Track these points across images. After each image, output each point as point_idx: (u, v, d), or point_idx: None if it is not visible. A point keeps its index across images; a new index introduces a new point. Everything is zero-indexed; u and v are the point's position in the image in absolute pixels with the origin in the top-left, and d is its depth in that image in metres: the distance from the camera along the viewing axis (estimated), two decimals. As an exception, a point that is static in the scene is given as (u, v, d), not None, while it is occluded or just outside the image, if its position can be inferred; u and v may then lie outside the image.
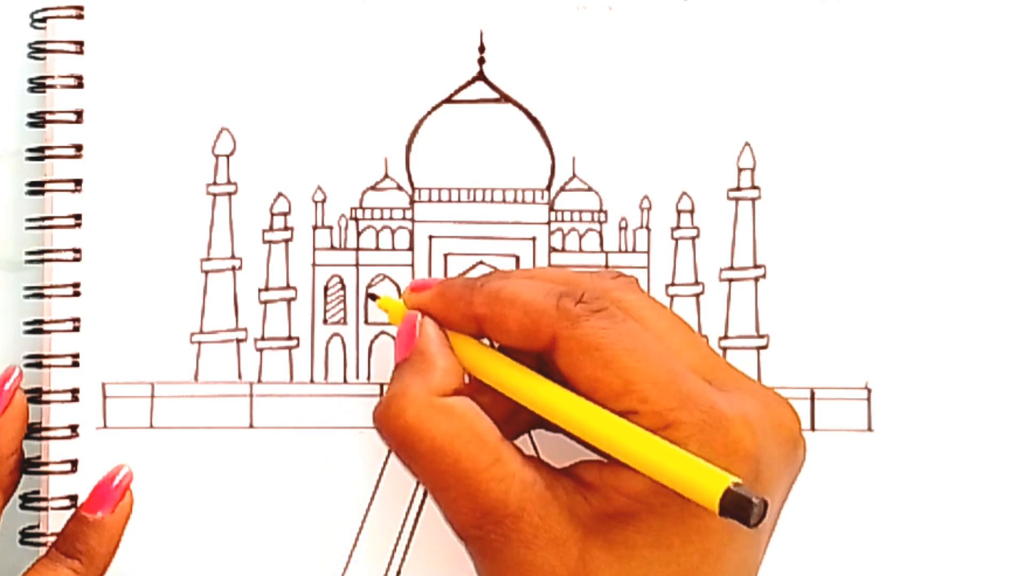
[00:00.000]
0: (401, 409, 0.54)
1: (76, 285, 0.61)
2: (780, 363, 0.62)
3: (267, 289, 0.62)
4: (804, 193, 0.63)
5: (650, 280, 0.62)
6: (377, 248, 0.62)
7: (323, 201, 0.62)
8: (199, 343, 0.61)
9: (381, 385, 0.61)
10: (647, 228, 0.62)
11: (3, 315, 0.62)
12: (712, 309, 0.62)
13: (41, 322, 0.61)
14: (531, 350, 0.55)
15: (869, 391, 0.62)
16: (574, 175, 0.63)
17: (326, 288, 0.62)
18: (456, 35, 0.63)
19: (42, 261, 0.61)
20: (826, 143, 0.63)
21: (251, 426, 0.61)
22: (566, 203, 0.63)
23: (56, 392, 0.60)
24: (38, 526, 0.60)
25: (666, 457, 0.52)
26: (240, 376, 0.61)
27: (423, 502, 0.61)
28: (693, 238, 0.62)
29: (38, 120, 0.61)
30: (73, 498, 0.60)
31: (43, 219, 0.61)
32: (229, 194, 0.62)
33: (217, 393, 0.61)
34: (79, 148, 0.61)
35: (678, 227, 0.63)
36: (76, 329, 0.61)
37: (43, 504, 0.60)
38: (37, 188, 0.61)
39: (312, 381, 0.62)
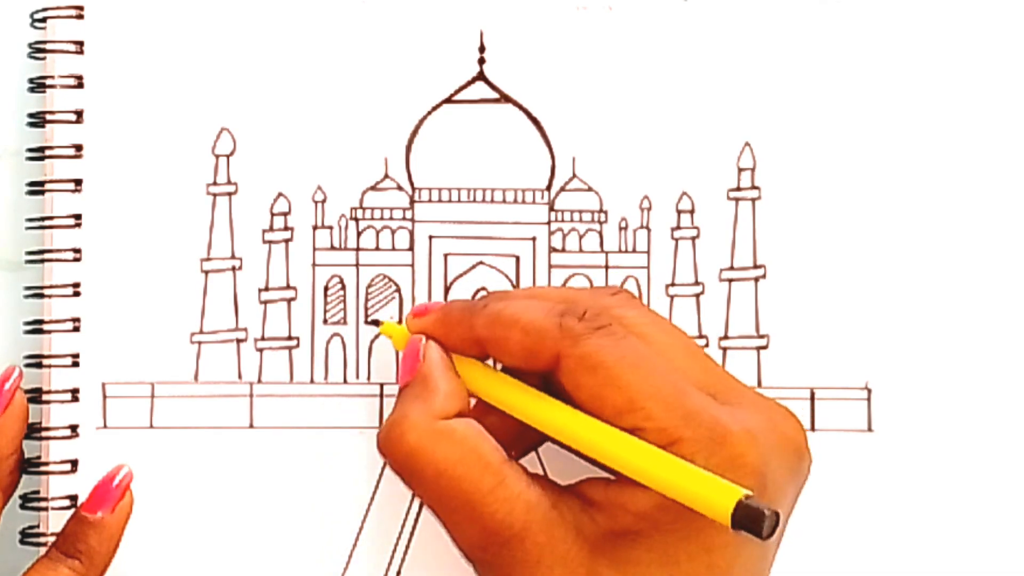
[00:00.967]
0: (402, 434, 0.54)
1: (76, 285, 0.61)
2: (780, 363, 0.62)
3: (267, 289, 0.62)
4: (804, 193, 0.63)
5: (650, 280, 0.62)
6: (377, 248, 0.62)
7: (323, 201, 0.62)
8: (199, 343, 0.61)
9: (381, 385, 0.61)
10: (647, 228, 0.62)
11: (3, 315, 0.62)
12: (712, 309, 0.62)
13: (41, 322, 0.61)
14: (534, 370, 0.55)
15: (869, 391, 0.62)
16: (574, 175, 0.63)
17: (326, 288, 0.62)
18: (456, 35, 0.63)
19: (42, 261, 0.61)
20: (826, 143, 0.63)
21: (251, 426, 0.61)
22: (566, 203, 0.62)
23: (56, 392, 0.60)
24: (38, 526, 0.60)
25: (676, 472, 0.51)
26: (240, 376, 0.61)
27: (423, 503, 0.61)
28: (693, 238, 0.62)
29: (38, 120, 0.61)
30: (73, 498, 0.60)
31: (43, 219, 0.61)
32: (229, 194, 0.62)
33: (217, 393, 0.61)
34: (79, 148, 0.61)
35: (678, 227, 0.63)
36: (76, 329, 0.61)
37: (43, 504, 0.60)
38: (37, 188, 0.61)
39: (312, 381, 0.62)
